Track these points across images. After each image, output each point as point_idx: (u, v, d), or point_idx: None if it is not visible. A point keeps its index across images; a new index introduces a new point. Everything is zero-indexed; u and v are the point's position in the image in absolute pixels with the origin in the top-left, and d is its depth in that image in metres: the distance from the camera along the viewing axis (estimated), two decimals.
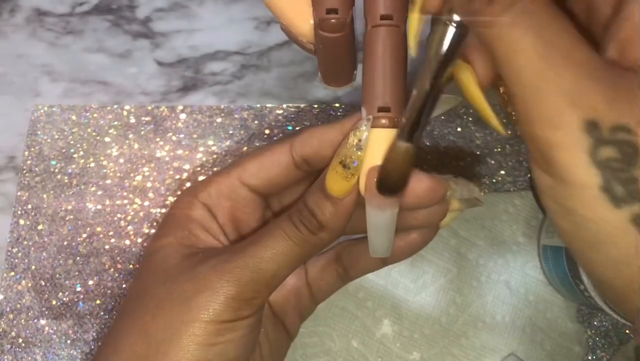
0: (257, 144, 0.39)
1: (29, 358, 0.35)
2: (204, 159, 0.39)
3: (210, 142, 0.39)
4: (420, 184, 0.26)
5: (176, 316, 0.25)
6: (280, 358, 0.31)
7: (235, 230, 0.30)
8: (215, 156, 0.39)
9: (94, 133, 0.39)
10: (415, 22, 0.24)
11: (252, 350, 0.28)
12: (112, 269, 0.37)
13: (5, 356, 0.35)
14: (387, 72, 0.25)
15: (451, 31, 0.22)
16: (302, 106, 0.40)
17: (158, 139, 0.39)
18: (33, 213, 0.37)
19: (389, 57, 0.25)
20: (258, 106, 0.40)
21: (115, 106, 0.39)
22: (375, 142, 0.25)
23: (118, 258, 0.37)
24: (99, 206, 0.38)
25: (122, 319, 0.27)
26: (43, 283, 0.36)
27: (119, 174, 0.38)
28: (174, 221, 0.30)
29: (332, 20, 0.24)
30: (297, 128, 0.39)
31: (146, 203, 0.38)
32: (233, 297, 0.25)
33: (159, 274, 0.27)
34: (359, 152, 0.25)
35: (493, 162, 0.39)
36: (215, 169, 0.38)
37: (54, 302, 0.36)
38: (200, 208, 0.29)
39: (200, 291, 0.25)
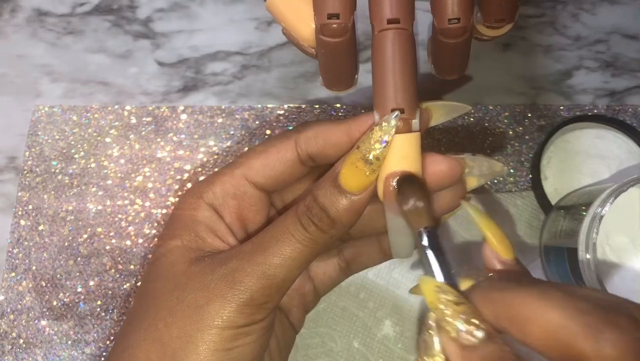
0: None
1: (30, 359, 0.35)
2: (205, 159, 0.38)
3: (211, 143, 0.39)
4: (436, 166, 0.26)
5: (190, 324, 0.25)
6: (287, 351, 0.31)
7: (243, 229, 0.30)
8: (216, 157, 0.39)
9: (94, 134, 0.39)
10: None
11: (266, 348, 0.28)
12: (113, 270, 0.37)
13: (6, 357, 0.35)
14: (397, 73, 0.24)
15: (426, 237, 0.24)
16: (303, 106, 0.39)
17: (159, 140, 0.39)
18: (34, 214, 0.37)
19: (398, 59, 0.24)
20: (259, 106, 0.40)
21: (116, 107, 0.39)
22: (394, 147, 0.25)
23: (119, 259, 0.37)
24: (100, 207, 0.37)
25: (133, 325, 0.27)
26: (44, 284, 0.36)
27: (119, 175, 0.38)
28: (179, 223, 0.29)
29: (334, 25, 0.24)
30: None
31: (147, 204, 0.38)
32: (245, 304, 0.25)
33: (167, 281, 0.27)
34: (384, 148, 0.24)
35: None
36: (216, 169, 0.38)
37: (54, 303, 0.36)
38: (206, 209, 0.29)
39: (211, 300, 0.25)
